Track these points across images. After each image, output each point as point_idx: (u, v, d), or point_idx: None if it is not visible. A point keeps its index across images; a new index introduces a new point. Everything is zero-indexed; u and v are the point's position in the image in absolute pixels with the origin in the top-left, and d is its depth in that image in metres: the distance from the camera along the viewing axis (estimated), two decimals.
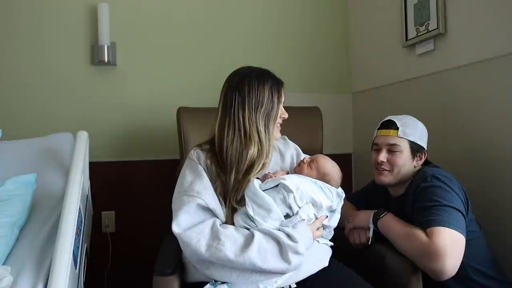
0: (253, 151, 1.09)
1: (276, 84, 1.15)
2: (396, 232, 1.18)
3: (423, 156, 1.33)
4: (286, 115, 1.19)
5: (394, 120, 1.34)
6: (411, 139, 1.30)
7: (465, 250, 1.10)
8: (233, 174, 1.09)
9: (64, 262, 0.96)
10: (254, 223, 1.04)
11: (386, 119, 1.37)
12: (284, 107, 1.19)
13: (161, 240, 1.28)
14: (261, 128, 1.11)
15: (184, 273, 1.12)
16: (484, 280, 1.20)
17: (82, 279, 1.19)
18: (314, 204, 1.10)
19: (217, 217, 1.06)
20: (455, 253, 1.08)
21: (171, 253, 1.13)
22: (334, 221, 1.17)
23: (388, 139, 1.32)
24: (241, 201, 1.08)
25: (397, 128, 1.31)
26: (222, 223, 1.06)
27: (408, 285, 1.13)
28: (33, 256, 1.04)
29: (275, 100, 1.13)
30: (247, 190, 1.07)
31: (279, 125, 1.19)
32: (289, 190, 1.06)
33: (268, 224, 1.03)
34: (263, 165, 1.12)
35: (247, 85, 1.12)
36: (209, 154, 1.14)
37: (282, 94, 1.17)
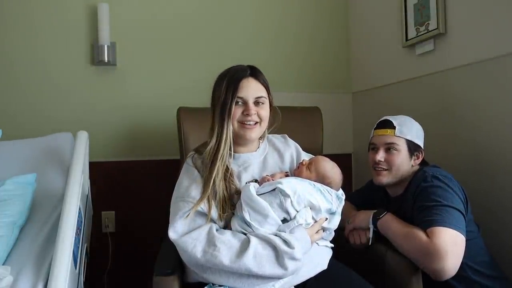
0: (211, 143, 1.10)
1: (235, 78, 1.11)
2: (396, 232, 1.18)
3: (421, 156, 1.33)
4: (250, 111, 1.11)
5: (391, 119, 1.34)
6: (408, 138, 1.30)
7: (465, 250, 1.10)
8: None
9: (64, 262, 0.96)
10: (251, 228, 1.03)
11: (382, 119, 1.37)
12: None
13: (161, 240, 1.28)
14: (218, 122, 1.10)
15: (184, 273, 1.11)
16: (484, 280, 1.20)
17: (82, 279, 1.19)
18: (313, 207, 1.08)
19: (214, 222, 1.06)
20: (455, 253, 1.08)
21: (171, 253, 1.13)
22: (334, 223, 1.15)
23: (385, 138, 1.32)
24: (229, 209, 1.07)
25: (394, 127, 1.31)
26: (220, 228, 1.06)
27: (408, 285, 1.13)
28: (33, 256, 1.05)
29: (229, 94, 1.09)
30: (243, 195, 1.06)
31: (252, 123, 1.12)
32: (286, 195, 1.04)
33: (264, 229, 1.02)
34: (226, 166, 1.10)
35: (215, 83, 1.16)
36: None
37: (241, 88, 1.11)
